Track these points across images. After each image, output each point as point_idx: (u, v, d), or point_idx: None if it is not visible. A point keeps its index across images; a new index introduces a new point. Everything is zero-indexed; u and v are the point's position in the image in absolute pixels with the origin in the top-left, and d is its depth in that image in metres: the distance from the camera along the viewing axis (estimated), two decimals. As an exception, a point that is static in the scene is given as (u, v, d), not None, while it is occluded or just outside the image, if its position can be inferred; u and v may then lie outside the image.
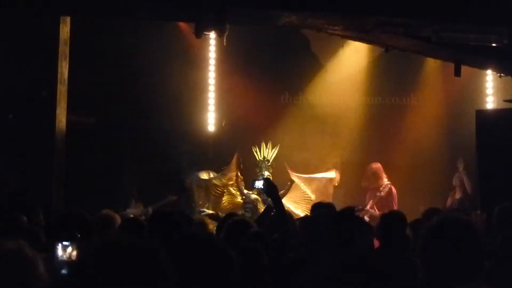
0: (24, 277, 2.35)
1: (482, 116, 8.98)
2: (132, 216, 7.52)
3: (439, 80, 10.81)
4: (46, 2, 7.71)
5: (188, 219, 5.26)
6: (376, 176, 9.62)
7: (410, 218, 5.40)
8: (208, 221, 6.83)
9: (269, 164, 9.76)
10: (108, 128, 9.98)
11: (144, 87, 10.20)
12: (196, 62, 10.70)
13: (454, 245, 2.62)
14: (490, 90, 10.97)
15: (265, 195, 7.86)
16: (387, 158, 10.13)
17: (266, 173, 9.52)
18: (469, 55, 8.79)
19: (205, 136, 10.77)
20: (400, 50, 9.31)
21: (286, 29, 9.93)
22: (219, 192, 9.79)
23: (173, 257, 2.01)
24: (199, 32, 7.62)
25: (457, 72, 8.82)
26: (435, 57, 9.89)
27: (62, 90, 8.04)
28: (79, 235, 3.93)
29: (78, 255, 3.23)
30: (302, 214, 8.52)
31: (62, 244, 3.39)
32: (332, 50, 11.04)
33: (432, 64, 10.76)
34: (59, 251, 3.38)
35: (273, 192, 4.94)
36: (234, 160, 9.71)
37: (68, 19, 8.14)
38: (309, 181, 9.76)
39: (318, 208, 5.90)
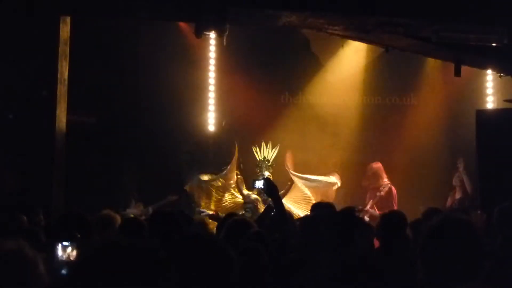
0: (24, 277, 2.35)
1: (482, 116, 8.98)
2: (132, 216, 7.52)
3: (439, 80, 10.82)
4: (46, 2, 7.71)
5: (188, 219, 5.26)
6: (377, 176, 9.62)
7: (410, 218, 5.39)
8: (208, 221, 6.84)
9: (269, 164, 9.77)
10: (108, 128, 9.98)
11: (144, 87, 10.20)
12: (196, 62, 10.71)
13: (454, 245, 2.62)
14: (490, 90, 10.97)
15: (265, 195, 7.86)
16: (387, 158, 10.13)
17: (267, 173, 9.52)
18: (469, 55, 8.79)
19: (205, 136, 10.77)
20: (400, 50, 9.31)
21: (286, 29, 9.94)
22: (220, 192, 9.79)
23: (173, 257, 2.01)
24: (199, 32, 7.62)
25: (457, 72, 8.82)
26: (435, 57, 9.89)
27: (62, 90, 8.04)
28: (79, 235, 3.93)
29: (78, 255, 3.23)
30: (302, 214, 8.52)
31: (62, 244, 3.39)
32: (332, 50, 11.04)
33: (432, 64, 10.76)
34: (59, 251, 3.38)
35: (273, 192, 4.94)
36: (234, 160, 9.71)
37: (68, 19, 8.14)
38: (309, 182, 9.76)
39: (318, 208, 5.90)
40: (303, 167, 10.27)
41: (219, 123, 10.86)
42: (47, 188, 7.74)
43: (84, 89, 9.19)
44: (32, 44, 7.71)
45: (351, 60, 11.05)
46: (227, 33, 7.50)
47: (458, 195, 9.23)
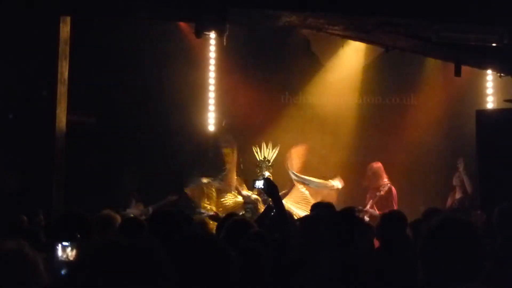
0: (24, 277, 2.35)
1: (482, 116, 8.98)
2: (132, 216, 7.52)
3: (439, 80, 10.81)
4: (46, 2, 7.72)
5: (188, 219, 5.26)
6: (377, 176, 9.61)
7: (410, 218, 5.39)
8: (208, 221, 6.84)
9: (270, 164, 9.77)
10: (108, 128, 9.98)
11: (144, 87, 10.20)
12: (196, 62, 10.71)
13: (454, 245, 2.62)
14: (490, 90, 10.97)
15: (265, 195, 7.86)
16: (387, 158, 10.13)
17: (267, 173, 9.52)
18: (469, 55, 8.79)
19: (205, 136, 10.77)
20: (400, 50, 9.31)
21: (286, 29, 9.94)
22: (220, 194, 9.80)
23: (173, 257, 2.01)
24: (199, 32, 7.62)
25: (457, 72, 8.82)
26: (435, 57, 9.89)
27: (62, 90, 8.05)
28: (79, 235, 3.93)
29: (77, 255, 3.23)
30: (302, 214, 8.52)
31: (62, 244, 3.40)
32: (332, 50, 11.04)
33: (432, 64, 10.75)
34: (59, 251, 3.38)
35: (273, 192, 4.93)
36: (233, 163, 9.70)
37: (68, 19, 8.14)
38: (309, 184, 9.75)
39: (318, 208, 5.90)
40: (303, 167, 10.27)
41: (219, 123, 10.86)
42: (47, 188, 7.74)
43: (84, 89, 9.20)
44: (32, 44, 7.71)
45: (351, 60, 11.05)
46: (227, 33, 7.50)
47: (458, 195, 9.23)
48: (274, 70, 10.78)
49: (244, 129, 10.55)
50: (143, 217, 7.54)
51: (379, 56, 10.44)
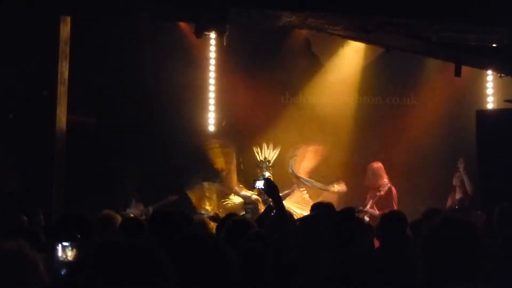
0: (24, 277, 2.35)
1: (483, 116, 8.98)
2: (132, 216, 7.52)
3: (439, 80, 10.81)
4: (46, 2, 7.72)
5: (188, 219, 5.26)
6: (376, 176, 9.60)
7: (410, 218, 5.39)
8: (208, 221, 6.83)
9: (270, 165, 9.77)
10: (108, 128, 9.98)
11: (144, 87, 10.20)
12: (196, 62, 10.71)
13: (454, 245, 2.62)
14: (490, 90, 10.97)
15: (265, 195, 7.86)
16: (387, 158, 10.12)
17: (267, 174, 9.52)
18: (469, 55, 8.79)
19: (205, 136, 10.76)
20: (400, 50, 9.31)
21: (286, 29, 9.94)
22: (221, 196, 9.81)
23: (173, 257, 2.01)
24: (199, 32, 7.62)
25: (457, 72, 8.81)
26: (435, 57, 9.89)
27: (62, 90, 8.05)
28: (79, 235, 3.93)
29: (77, 255, 3.23)
30: (302, 214, 8.52)
31: (62, 244, 3.39)
32: (332, 50, 11.04)
33: (432, 64, 10.75)
34: (59, 252, 3.38)
35: (274, 192, 4.93)
36: (233, 166, 9.71)
37: (68, 19, 8.15)
38: (312, 188, 9.76)
39: (318, 208, 5.90)
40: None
41: (219, 123, 10.86)
42: (47, 188, 7.75)
43: (84, 89, 9.19)
44: (32, 44, 7.71)
45: (351, 60, 11.05)
46: (227, 33, 7.50)
47: (458, 195, 9.23)
48: (274, 70, 10.78)
49: (244, 129, 10.55)
50: (143, 217, 7.54)
51: (379, 56, 10.44)
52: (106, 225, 5.08)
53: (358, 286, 3.69)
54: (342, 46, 10.84)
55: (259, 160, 9.81)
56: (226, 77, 10.71)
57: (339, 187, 9.78)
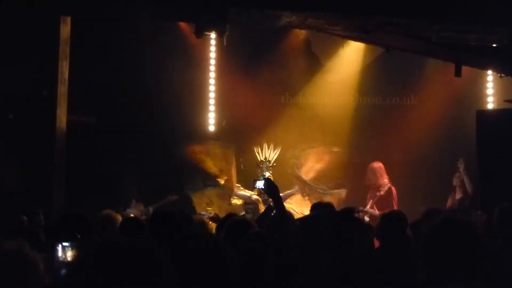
0: (24, 277, 2.35)
1: (483, 116, 8.98)
2: (132, 216, 7.52)
3: (440, 80, 10.80)
4: (46, 2, 7.71)
5: (188, 219, 5.26)
6: (376, 175, 9.59)
7: (410, 218, 5.39)
8: (208, 221, 6.83)
9: (270, 165, 9.78)
10: (108, 128, 9.98)
11: (144, 87, 10.20)
12: (196, 62, 10.71)
13: (454, 245, 2.62)
14: (490, 90, 10.97)
15: (266, 195, 7.86)
16: (387, 158, 10.12)
17: (267, 174, 9.53)
18: (470, 55, 8.79)
19: (205, 136, 10.76)
20: (400, 51, 9.30)
21: (286, 29, 9.94)
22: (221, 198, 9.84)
23: (173, 257, 2.01)
24: (200, 32, 7.62)
25: (458, 73, 8.81)
26: (435, 57, 9.89)
27: (62, 90, 8.05)
28: (79, 236, 3.94)
29: (77, 255, 3.23)
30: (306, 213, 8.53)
31: (62, 244, 3.39)
32: (332, 50, 11.05)
33: (432, 64, 10.75)
34: (59, 252, 3.38)
35: (274, 192, 4.93)
36: (232, 171, 9.72)
37: (68, 19, 8.14)
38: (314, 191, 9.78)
39: (318, 208, 5.90)
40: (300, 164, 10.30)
41: (219, 123, 10.86)
42: (47, 188, 7.75)
43: (84, 89, 9.19)
44: (33, 44, 7.71)
45: (351, 60, 11.05)
46: (227, 33, 7.50)
47: (458, 196, 9.23)
48: (274, 70, 10.77)
49: (244, 129, 10.55)
50: (143, 217, 7.54)
51: (379, 56, 10.44)
52: (106, 225, 5.08)
53: (358, 286, 3.69)
54: (342, 46, 10.85)
55: (259, 160, 9.82)
56: (226, 77, 10.71)
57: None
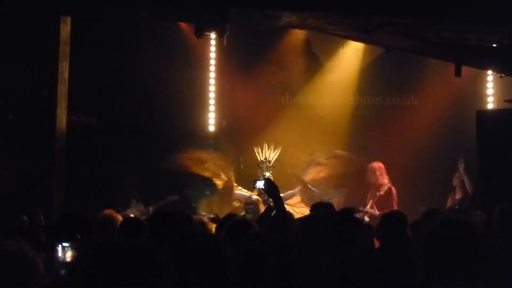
0: (24, 277, 2.35)
1: (483, 116, 8.98)
2: (132, 216, 7.52)
3: (440, 80, 10.80)
4: (46, 2, 7.72)
5: (188, 219, 5.26)
6: (375, 174, 9.57)
7: (410, 218, 5.39)
8: (208, 221, 6.83)
9: (270, 165, 9.78)
10: (108, 128, 9.98)
11: (144, 87, 10.20)
12: (196, 62, 10.71)
13: (454, 245, 2.62)
14: (490, 90, 10.96)
15: (266, 195, 7.86)
16: (387, 158, 10.11)
17: (267, 174, 9.53)
18: (470, 55, 8.79)
19: (205, 136, 10.76)
20: (400, 50, 9.30)
21: (286, 29, 9.94)
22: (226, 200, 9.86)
23: (173, 257, 2.01)
24: (200, 32, 7.62)
25: (458, 73, 8.81)
26: (435, 57, 9.89)
27: (62, 90, 8.05)
28: (79, 236, 3.94)
29: (76, 255, 3.23)
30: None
31: (62, 245, 3.39)
32: (332, 50, 11.04)
33: (432, 64, 10.75)
34: (59, 252, 3.38)
35: (274, 192, 4.93)
36: (231, 176, 9.73)
37: (68, 19, 8.15)
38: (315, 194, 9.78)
39: (318, 208, 5.90)
40: (304, 167, 10.28)
41: (219, 123, 10.85)
42: (47, 188, 7.75)
43: (84, 89, 9.20)
44: (32, 44, 7.72)
45: (351, 60, 11.05)
46: (227, 33, 7.50)
47: (458, 196, 9.23)
48: (274, 70, 10.78)
49: (244, 129, 10.55)
50: (143, 217, 7.53)
51: (379, 56, 10.44)
52: (106, 225, 5.08)
53: (358, 286, 3.69)
54: (342, 46, 10.84)
55: (259, 160, 9.81)
56: (226, 77, 10.71)
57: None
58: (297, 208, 9.46)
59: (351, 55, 11.00)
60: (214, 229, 5.97)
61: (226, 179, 9.76)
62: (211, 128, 10.85)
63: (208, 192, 10.05)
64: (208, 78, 10.84)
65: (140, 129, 10.18)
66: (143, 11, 8.03)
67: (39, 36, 7.76)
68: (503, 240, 4.78)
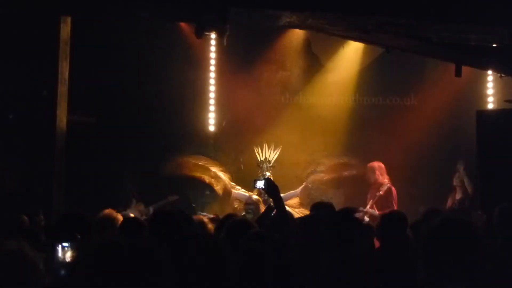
0: (24, 277, 2.35)
1: (483, 116, 8.98)
2: (132, 216, 7.52)
3: (440, 80, 10.79)
4: (46, 2, 7.72)
5: (188, 219, 5.26)
6: (374, 173, 9.57)
7: (410, 218, 5.39)
8: (208, 221, 6.83)
9: (270, 165, 9.78)
10: (108, 128, 9.98)
11: (144, 87, 10.20)
12: (196, 62, 10.71)
13: (454, 245, 2.62)
14: (490, 90, 10.96)
15: (266, 195, 7.86)
16: (387, 158, 10.12)
17: (267, 174, 9.54)
18: (470, 55, 8.78)
19: (205, 136, 10.77)
20: (400, 50, 9.30)
21: (286, 29, 9.94)
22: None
23: (173, 257, 2.01)
24: (200, 32, 7.62)
25: (458, 72, 8.81)
26: (435, 57, 9.88)
27: (62, 90, 8.05)
28: (79, 236, 3.93)
29: (76, 255, 3.23)
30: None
31: (62, 245, 3.39)
32: (332, 50, 11.04)
33: (432, 64, 10.74)
34: (59, 252, 3.38)
35: (274, 192, 4.93)
36: (227, 183, 9.78)
37: (68, 19, 8.15)
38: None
39: (318, 208, 5.90)
40: (303, 167, 10.29)
41: (219, 123, 10.86)
42: (47, 188, 7.75)
43: (84, 89, 9.20)
44: (32, 44, 7.71)
45: (351, 60, 11.05)
46: (227, 33, 7.50)
47: (458, 196, 9.23)
48: (274, 70, 10.78)
49: (244, 129, 10.55)
50: (144, 217, 7.53)
51: (379, 56, 10.43)
52: (106, 225, 5.08)
53: (358, 286, 3.69)
54: (342, 46, 10.84)
55: (259, 160, 9.82)
56: (226, 77, 10.71)
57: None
58: (298, 209, 9.47)
59: (351, 55, 10.99)
60: (212, 227, 5.97)
61: (225, 183, 9.80)
62: (211, 128, 10.85)
63: (208, 192, 10.08)
64: (208, 78, 10.83)
65: (140, 129, 10.19)
66: (143, 11, 8.02)
67: (39, 36, 7.76)
68: (503, 240, 4.78)
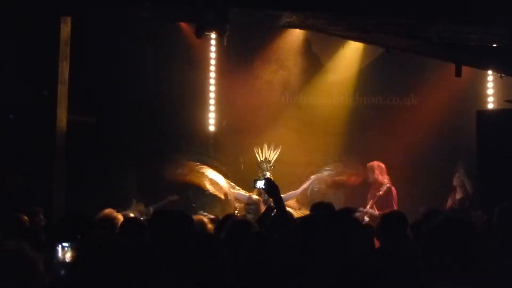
0: (24, 277, 2.35)
1: (483, 116, 8.97)
2: (132, 216, 7.51)
3: (440, 80, 10.79)
4: (46, 2, 7.72)
5: (188, 219, 5.25)
6: (373, 173, 9.57)
7: (410, 218, 5.39)
8: (208, 221, 6.83)
9: (270, 165, 9.78)
10: (108, 128, 9.98)
11: (144, 87, 10.20)
12: (196, 62, 10.71)
13: (454, 245, 2.62)
14: (490, 90, 10.96)
15: (266, 195, 7.86)
16: (387, 158, 10.12)
17: (267, 174, 9.54)
18: (470, 56, 8.78)
19: (205, 136, 10.77)
20: (400, 50, 9.30)
21: (286, 29, 9.94)
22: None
23: (173, 257, 2.01)
24: (200, 32, 7.62)
25: (458, 72, 8.81)
26: (435, 57, 9.88)
27: (62, 90, 8.05)
28: (79, 236, 3.94)
29: (76, 255, 3.23)
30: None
31: (62, 245, 3.40)
32: (332, 50, 11.05)
33: (432, 64, 10.74)
34: (59, 252, 3.38)
35: (274, 192, 4.93)
36: (227, 189, 9.79)
37: (68, 19, 8.14)
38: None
39: (318, 208, 5.89)
40: (303, 167, 10.29)
41: (219, 123, 10.86)
42: (47, 188, 7.74)
43: (84, 89, 9.19)
44: (32, 44, 7.71)
45: (351, 60, 11.05)
46: (227, 33, 7.51)
47: (458, 196, 9.23)
48: (274, 70, 10.78)
49: (244, 129, 10.55)
50: (144, 217, 7.54)
51: (379, 56, 10.43)
52: (106, 225, 5.08)
53: (358, 286, 3.68)
54: (342, 46, 10.84)
55: (259, 160, 9.82)
56: (226, 77, 10.71)
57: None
58: (298, 210, 9.47)
59: (351, 55, 11.00)
60: (212, 227, 5.97)
61: (225, 191, 9.83)
62: (211, 128, 10.85)
63: (208, 192, 10.08)
64: (208, 78, 10.84)
65: (140, 129, 10.19)
66: (143, 11, 8.02)
67: (39, 36, 7.76)
68: (503, 240, 4.78)
